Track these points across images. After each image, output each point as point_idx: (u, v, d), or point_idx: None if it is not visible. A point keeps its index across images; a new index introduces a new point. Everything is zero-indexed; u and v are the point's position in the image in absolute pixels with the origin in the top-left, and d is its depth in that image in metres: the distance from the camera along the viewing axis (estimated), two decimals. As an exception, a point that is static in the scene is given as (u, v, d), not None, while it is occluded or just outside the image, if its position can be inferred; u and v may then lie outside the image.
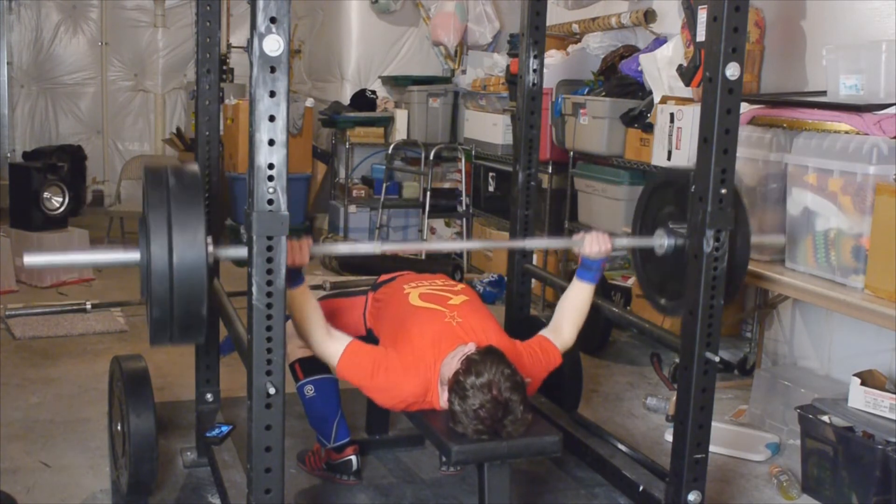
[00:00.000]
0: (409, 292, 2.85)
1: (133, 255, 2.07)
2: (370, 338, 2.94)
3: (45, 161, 6.47)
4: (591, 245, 2.76)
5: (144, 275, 2.01)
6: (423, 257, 6.53)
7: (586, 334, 4.45)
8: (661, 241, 2.74)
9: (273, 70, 1.85)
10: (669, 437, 3.41)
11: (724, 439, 3.47)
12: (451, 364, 2.49)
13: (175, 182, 2.02)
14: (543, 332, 2.82)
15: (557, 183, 5.45)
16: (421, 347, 2.59)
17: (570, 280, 2.91)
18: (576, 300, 2.84)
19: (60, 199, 5.79)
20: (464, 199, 6.58)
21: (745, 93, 3.02)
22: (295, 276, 2.43)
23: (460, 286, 2.98)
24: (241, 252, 2.15)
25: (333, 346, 2.58)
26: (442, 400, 2.53)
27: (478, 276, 5.99)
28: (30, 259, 2.05)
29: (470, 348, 2.52)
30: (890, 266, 3.00)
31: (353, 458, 3.06)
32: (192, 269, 1.98)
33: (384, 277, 3.11)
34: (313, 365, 3.01)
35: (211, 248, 2.04)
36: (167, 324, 2.03)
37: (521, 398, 2.40)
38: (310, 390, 2.93)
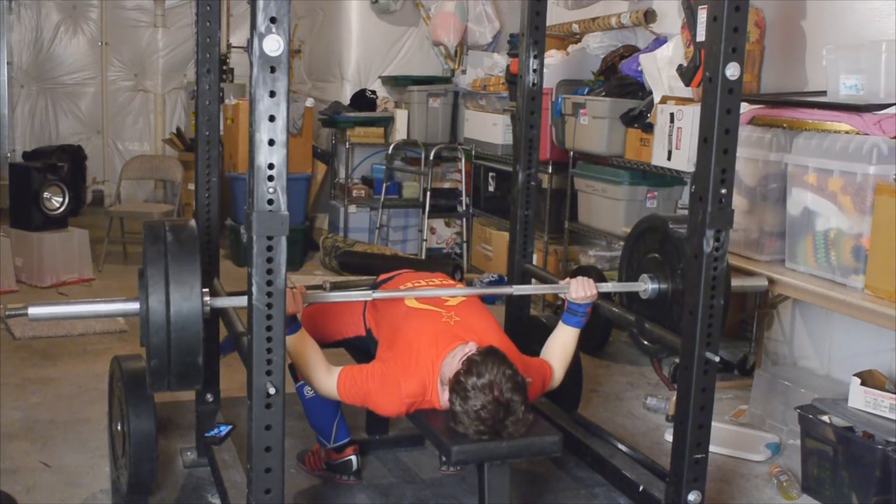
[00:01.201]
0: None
1: (133, 306, 2.23)
2: (369, 338, 2.94)
3: (45, 161, 6.46)
4: (577, 290, 2.80)
5: (143, 326, 2.15)
6: (423, 257, 6.54)
7: (586, 334, 4.49)
8: (646, 286, 2.84)
9: (273, 70, 1.84)
10: (669, 437, 3.42)
11: (724, 439, 3.47)
12: (452, 364, 2.49)
13: (172, 238, 2.16)
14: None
15: (557, 183, 5.45)
16: (418, 349, 2.59)
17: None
18: (561, 344, 2.86)
19: (60, 199, 5.79)
20: (464, 199, 6.58)
21: (745, 93, 3.02)
22: (290, 323, 2.46)
23: (458, 286, 2.98)
24: (235, 301, 2.31)
25: (330, 380, 2.62)
26: (443, 399, 2.53)
27: (478, 276, 5.99)
28: (34, 311, 2.21)
29: (471, 348, 2.51)
30: (890, 266, 3.00)
31: (353, 457, 3.07)
32: (189, 322, 2.11)
33: (383, 277, 3.11)
34: None
35: (207, 300, 2.18)
36: (164, 373, 2.16)
37: (523, 398, 2.40)
38: (309, 390, 2.92)
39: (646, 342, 3.01)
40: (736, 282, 2.87)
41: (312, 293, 2.62)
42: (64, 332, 4.67)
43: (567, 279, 2.88)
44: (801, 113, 3.52)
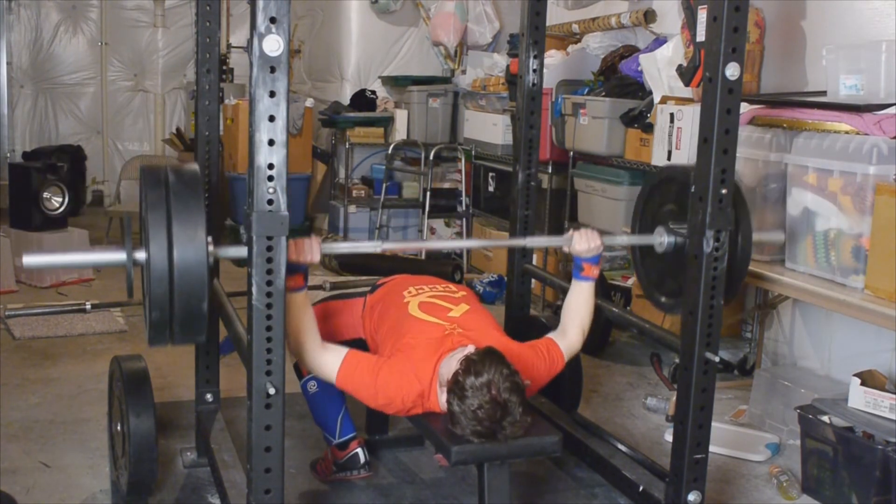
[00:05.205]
0: (409, 301, 2.82)
1: (134, 255, 1.99)
2: (364, 346, 2.91)
3: (45, 161, 6.47)
4: (580, 242, 2.71)
5: (144, 273, 1.97)
6: (423, 257, 6.53)
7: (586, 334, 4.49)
8: (661, 239, 2.67)
9: (273, 70, 1.85)
10: (669, 437, 3.41)
11: (724, 439, 3.47)
12: (451, 364, 2.48)
13: (174, 179, 1.99)
14: (551, 335, 2.80)
15: (557, 183, 5.45)
16: (420, 358, 2.57)
17: (569, 280, 2.90)
18: (574, 301, 2.80)
19: (60, 199, 5.79)
20: (464, 199, 6.57)
21: (745, 93, 3.02)
22: (299, 279, 2.36)
23: (460, 293, 2.92)
24: (241, 252, 2.11)
25: (331, 357, 2.52)
26: (441, 401, 2.52)
27: (477, 276, 5.99)
28: (29, 259, 2.04)
29: (469, 349, 2.51)
30: (890, 266, 3.00)
31: (359, 450, 3.05)
32: (193, 265, 1.94)
33: (381, 281, 3.09)
34: None
35: (211, 248, 2.01)
36: (166, 324, 2.00)
37: (520, 399, 2.38)
38: (313, 386, 2.93)
39: (663, 299, 2.74)
40: (756, 236, 2.65)
41: (328, 245, 2.49)
42: (64, 332, 4.67)
43: (570, 232, 2.75)
44: (801, 113, 3.51)
